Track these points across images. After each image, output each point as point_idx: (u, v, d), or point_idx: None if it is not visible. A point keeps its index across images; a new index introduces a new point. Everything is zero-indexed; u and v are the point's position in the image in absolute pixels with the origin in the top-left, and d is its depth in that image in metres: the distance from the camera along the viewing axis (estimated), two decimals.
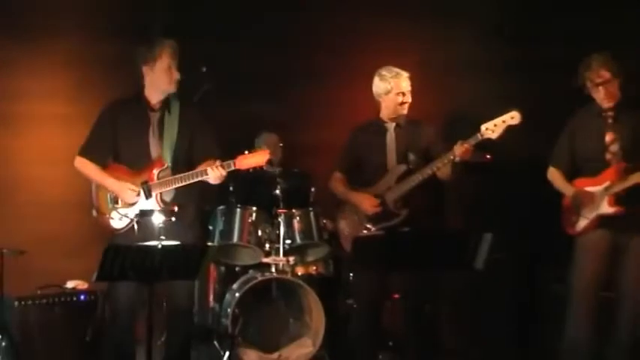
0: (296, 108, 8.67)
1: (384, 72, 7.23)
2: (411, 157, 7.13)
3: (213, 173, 6.54)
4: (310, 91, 8.67)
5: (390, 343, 7.82)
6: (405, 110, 7.20)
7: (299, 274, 7.76)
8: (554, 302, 7.64)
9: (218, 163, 6.55)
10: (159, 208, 6.60)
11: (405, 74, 7.22)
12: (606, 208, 6.75)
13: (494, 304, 8.16)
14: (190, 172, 6.60)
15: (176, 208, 6.64)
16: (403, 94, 7.18)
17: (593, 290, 6.91)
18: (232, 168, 6.59)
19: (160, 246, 6.07)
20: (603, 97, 6.81)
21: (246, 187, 8.00)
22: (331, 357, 7.55)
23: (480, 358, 7.95)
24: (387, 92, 7.19)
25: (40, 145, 8.38)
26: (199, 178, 6.59)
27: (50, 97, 8.46)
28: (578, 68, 6.93)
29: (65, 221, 8.09)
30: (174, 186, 6.64)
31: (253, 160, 6.64)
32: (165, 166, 6.67)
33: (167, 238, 6.28)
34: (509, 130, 6.79)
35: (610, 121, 6.79)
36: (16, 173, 8.37)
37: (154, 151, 6.72)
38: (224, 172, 6.58)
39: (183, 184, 6.61)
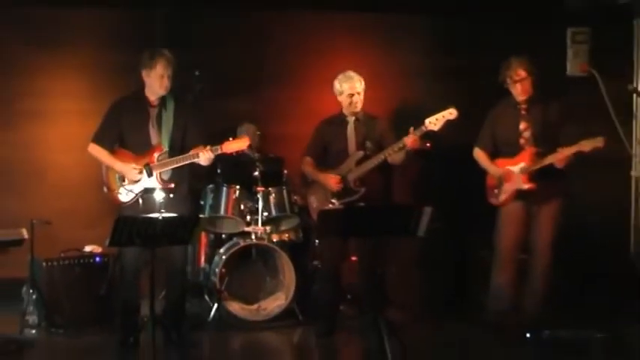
0: (271, 104, 8.77)
1: (340, 76, 7.32)
2: (368, 145, 7.26)
3: (204, 156, 6.73)
4: (283, 90, 8.80)
5: (349, 297, 8.00)
6: (356, 107, 7.28)
7: (274, 240, 7.83)
8: (481, 263, 7.83)
9: (208, 147, 6.74)
10: (159, 186, 6.76)
11: (356, 78, 7.29)
12: (522, 184, 7.02)
13: (433, 264, 8.25)
14: (185, 155, 6.78)
15: (173, 185, 6.79)
16: (351, 95, 7.25)
17: (514, 250, 7.19)
18: (219, 152, 6.79)
19: (160, 217, 6.25)
20: (519, 92, 7.08)
21: (231, 169, 8.08)
22: (300, 308, 7.66)
23: (421, 309, 7.98)
24: (340, 93, 7.30)
25: (62, 135, 8.54)
26: (192, 160, 6.78)
27: (70, 96, 8.64)
28: (501, 68, 7.12)
29: (83, 198, 8.22)
30: (171, 167, 6.80)
31: (236, 145, 6.85)
32: (164, 151, 6.83)
33: (166, 211, 6.47)
34: (448, 123, 6.96)
35: (523, 112, 7.11)
36: (42, 158, 8.60)
37: (154, 139, 6.87)
38: (212, 155, 6.77)
39: (179, 165, 6.80)
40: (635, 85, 8.89)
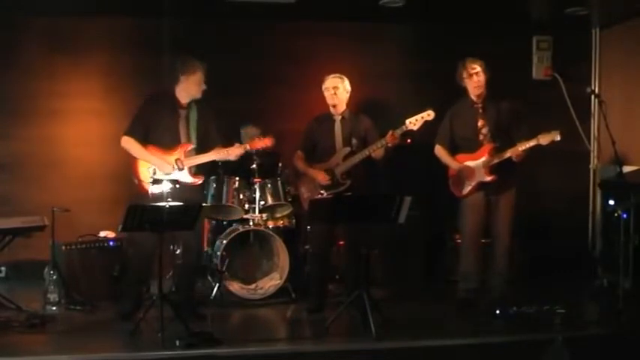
0: (268, 104, 8.75)
1: (329, 75, 7.35)
2: (354, 141, 7.24)
3: (235, 152, 6.92)
4: (279, 92, 8.79)
5: (337, 277, 8.05)
6: (331, 101, 7.27)
7: (270, 226, 7.81)
8: (454, 247, 7.94)
9: (237, 145, 6.95)
10: (191, 179, 6.84)
11: (337, 77, 7.28)
12: (484, 177, 7.01)
13: (411, 247, 8.32)
14: (216, 151, 6.90)
15: (202, 179, 6.94)
16: (327, 89, 7.28)
17: (477, 235, 7.18)
18: (248, 148, 7.04)
19: (167, 206, 6.24)
20: (474, 85, 7.05)
21: (231, 162, 7.53)
22: (293, 287, 7.67)
23: (400, 286, 8.06)
24: (325, 90, 7.31)
25: (79, 131, 8.55)
26: (223, 157, 6.96)
27: (88, 97, 8.63)
28: (457, 69, 7.11)
29: (98, 188, 8.23)
30: (202, 161, 6.90)
31: (262, 142, 7.07)
32: (191, 147, 6.88)
33: (174, 200, 6.42)
34: (426, 123, 6.95)
35: (480, 110, 7.07)
36: (62, 153, 8.61)
37: (183, 137, 6.88)
38: (242, 152, 6.99)
39: (209, 159, 6.93)
40: (592, 87, 8.94)
